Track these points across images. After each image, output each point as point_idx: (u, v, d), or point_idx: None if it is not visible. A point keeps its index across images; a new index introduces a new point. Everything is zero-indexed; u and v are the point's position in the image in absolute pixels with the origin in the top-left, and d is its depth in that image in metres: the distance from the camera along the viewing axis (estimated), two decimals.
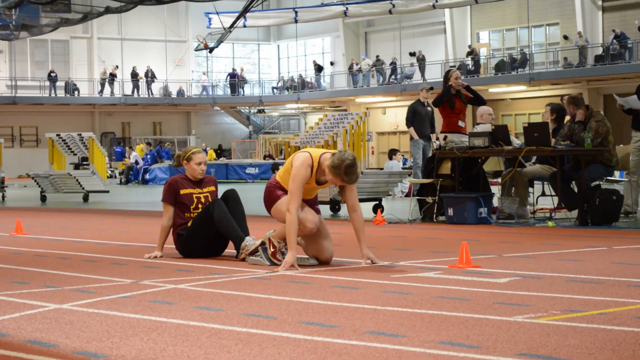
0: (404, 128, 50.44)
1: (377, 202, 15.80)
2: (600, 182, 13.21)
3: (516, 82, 46.01)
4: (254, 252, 8.46)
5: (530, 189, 13.96)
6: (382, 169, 26.58)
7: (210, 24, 50.15)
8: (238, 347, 4.75)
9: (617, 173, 14.70)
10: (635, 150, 13.38)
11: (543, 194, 14.42)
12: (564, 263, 8.21)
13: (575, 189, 12.91)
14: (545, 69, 45.75)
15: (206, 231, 8.86)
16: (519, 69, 45.81)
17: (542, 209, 14.10)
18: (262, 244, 8.42)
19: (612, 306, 5.81)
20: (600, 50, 43.60)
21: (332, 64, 57.88)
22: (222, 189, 9.17)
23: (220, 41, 41.99)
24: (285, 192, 8.24)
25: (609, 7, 45.08)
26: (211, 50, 43.03)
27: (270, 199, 8.41)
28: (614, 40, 42.51)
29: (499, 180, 14.20)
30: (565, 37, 45.89)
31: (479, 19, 50.39)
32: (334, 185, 8.30)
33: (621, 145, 14.00)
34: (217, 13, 47.54)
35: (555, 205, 13.14)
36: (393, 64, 50.18)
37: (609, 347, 4.62)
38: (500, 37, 50.15)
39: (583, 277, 7.17)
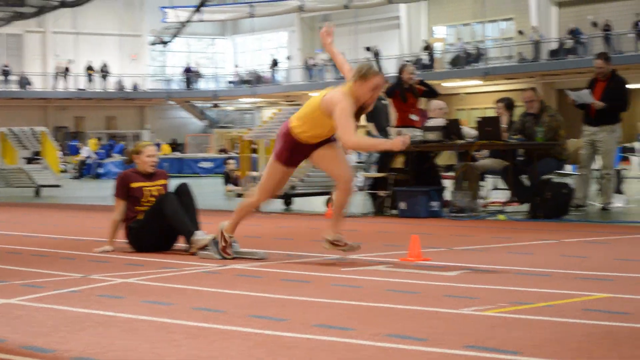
0: (359, 122, 50.42)
1: (329, 196, 15.80)
2: (552, 176, 13.31)
3: (471, 77, 46.24)
4: (205, 247, 8.44)
5: (483, 183, 14.03)
6: None
7: (166, 18, 49.89)
8: (187, 341, 4.74)
9: (568, 167, 14.82)
10: (586, 145, 13.50)
11: (495, 187, 14.51)
12: (514, 256, 8.26)
13: (527, 183, 13.00)
14: (500, 63, 46.00)
15: (157, 225, 8.82)
16: (473, 64, 46.03)
17: (493, 202, 14.18)
18: (214, 238, 8.39)
19: (559, 298, 5.85)
20: (554, 45, 43.92)
21: (288, 58, 57.85)
22: (175, 183, 9.14)
23: (175, 35, 41.90)
24: (296, 141, 7.92)
25: (563, 2, 45.43)
26: (166, 44, 42.90)
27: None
28: (568, 35, 42.85)
29: (452, 174, 14.26)
30: (520, 32, 46.18)
31: (434, 14, 50.60)
32: (366, 102, 7.78)
33: (573, 140, 14.12)
34: (173, 7, 47.28)
35: (507, 199, 13.22)
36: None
37: (555, 339, 4.65)
38: (456, 32, 50.38)
39: (532, 270, 7.21)
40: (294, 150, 7.97)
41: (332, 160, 7.99)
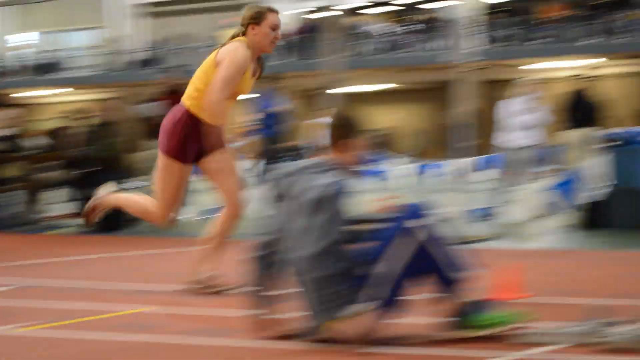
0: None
1: None
2: (120, 188, 13.25)
3: (49, 86, 45.43)
4: None
5: (51, 194, 13.70)
6: None
7: None
8: None
9: (136, 180, 14.90)
10: (150, 158, 13.59)
11: (63, 199, 14.22)
12: (63, 271, 8.11)
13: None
14: (87, 72, 45.38)
15: None
16: (54, 73, 45.28)
17: (55, 215, 13.75)
18: None
19: (96, 314, 5.78)
20: (140, 56, 44.13)
21: None
22: None
23: None
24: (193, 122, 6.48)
25: (152, 12, 45.78)
26: None
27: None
28: (150, 47, 43.41)
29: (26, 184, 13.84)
30: (107, 42, 45.95)
31: (12, 20, 49.30)
32: (265, 46, 6.41)
33: (138, 153, 14.19)
34: None
35: (71, 211, 12.99)
36: None
37: (81, 357, 4.60)
38: (36, 40, 49.34)
39: (82, 286, 7.06)
40: (189, 136, 6.49)
41: (227, 173, 6.56)
